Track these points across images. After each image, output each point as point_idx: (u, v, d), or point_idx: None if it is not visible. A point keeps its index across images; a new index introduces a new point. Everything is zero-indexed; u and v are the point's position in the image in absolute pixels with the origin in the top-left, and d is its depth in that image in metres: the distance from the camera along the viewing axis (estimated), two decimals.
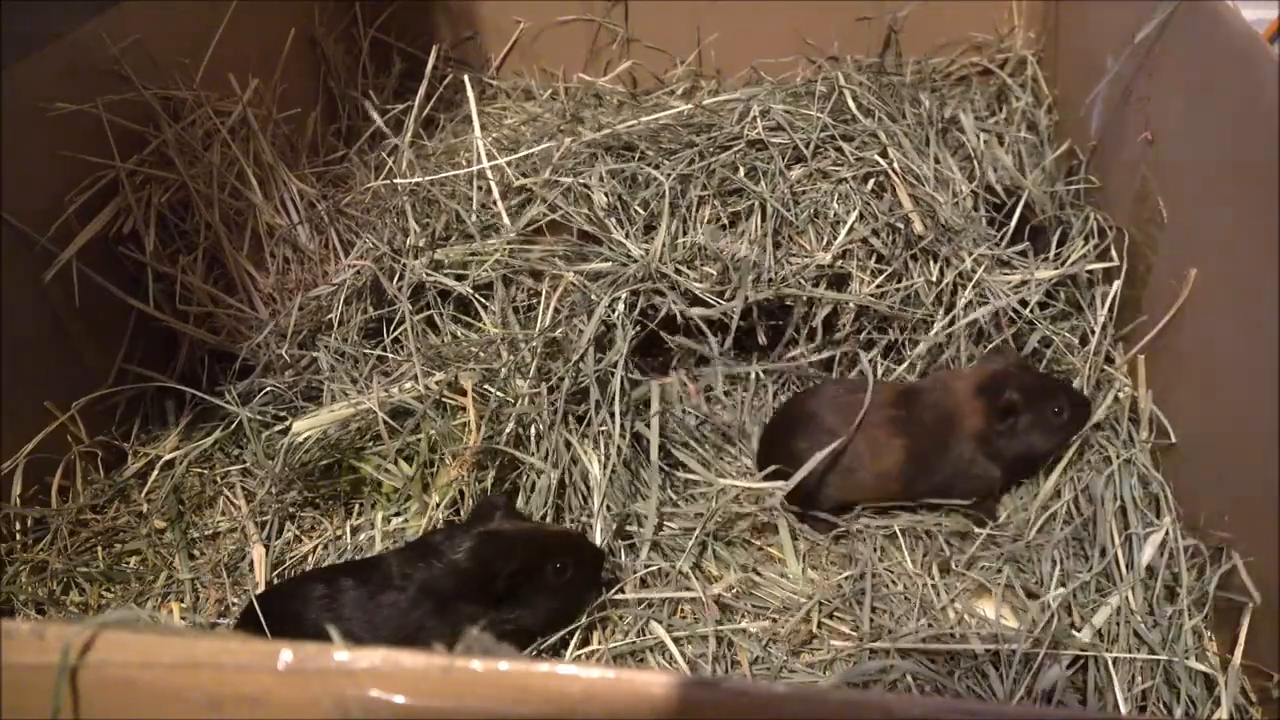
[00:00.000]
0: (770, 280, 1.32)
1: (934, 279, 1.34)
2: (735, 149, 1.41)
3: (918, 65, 1.81)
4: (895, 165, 1.36)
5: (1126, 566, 1.13)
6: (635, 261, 1.30)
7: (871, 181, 1.38)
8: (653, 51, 1.94)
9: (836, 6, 1.81)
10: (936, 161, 1.42)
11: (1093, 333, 1.33)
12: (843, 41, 1.84)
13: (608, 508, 1.17)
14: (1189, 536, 1.12)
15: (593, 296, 1.27)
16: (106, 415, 1.36)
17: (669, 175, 1.37)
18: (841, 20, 1.83)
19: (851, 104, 1.45)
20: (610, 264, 1.32)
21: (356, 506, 1.28)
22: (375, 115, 1.59)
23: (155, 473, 1.34)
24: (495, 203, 1.38)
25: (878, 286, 1.34)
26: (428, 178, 1.41)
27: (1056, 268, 1.35)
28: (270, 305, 1.43)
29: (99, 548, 1.25)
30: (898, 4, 1.78)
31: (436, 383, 1.24)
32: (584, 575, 1.09)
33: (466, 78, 1.57)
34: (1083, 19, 1.63)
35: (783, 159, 1.39)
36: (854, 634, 1.11)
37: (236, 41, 1.55)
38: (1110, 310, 1.33)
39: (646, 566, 1.17)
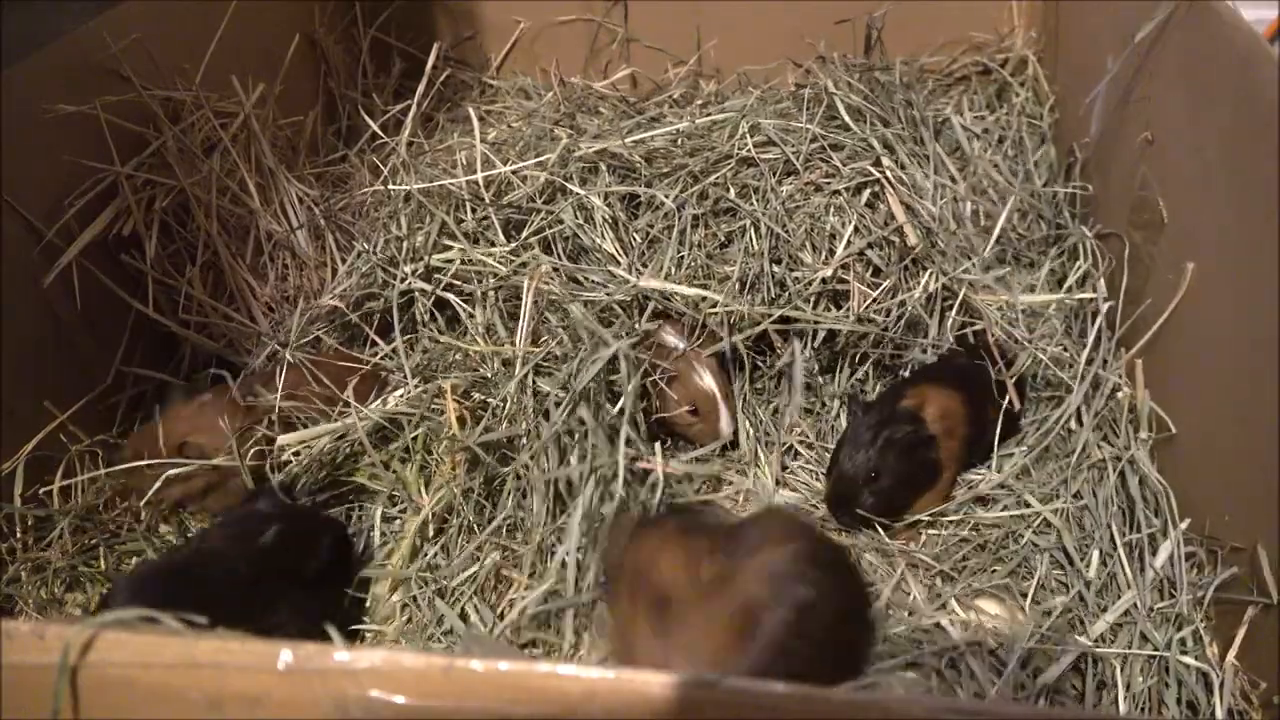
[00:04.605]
0: (774, 300, 1.33)
1: (929, 293, 1.34)
2: (726, 168, 1.41)
3: (906, 64, 1.80)
4: (888, 174, 1.37)
5: (1129, 567, 1.13)
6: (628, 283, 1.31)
7: (866, 192, 1.38)
8: (652, 51, 1.94)
9: (839, 6, 1.81)
10: (929, 162, 1.42)
11: (1079, 351, 1.34)
12: (843, 42, 1.83)
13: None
14: (1190, 536, 1.12)
15: (572, 304, 1.27)
16: (107, 415, 1.36)
17: (669, 197, 1.37)
18: (843, 19, 1.83)
19: (843, 111, 1.45)
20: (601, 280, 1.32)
21: (358, 507, 1.29)
22: (370, 121, 1.58)
23: None
24: (488, 209, 1.38)
25: (874, 301, 1.34)
26: (418, 185, 1.40)
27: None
28: (269, 316, 1.43)
29: (100, 547, 1.25)
30: (893, 3, 1.78)
31: (424, 392, 1.24)
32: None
33: (472, 111, 1.55)
34: (1083, 19, 1.63)
35: (774, 175, 1.39)
36: None
37: (237, 42, 1.55)
38: (1097, 338, 1.34)
39: None
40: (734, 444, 1.34)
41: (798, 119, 1.45)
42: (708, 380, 1.29)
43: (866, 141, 1.41)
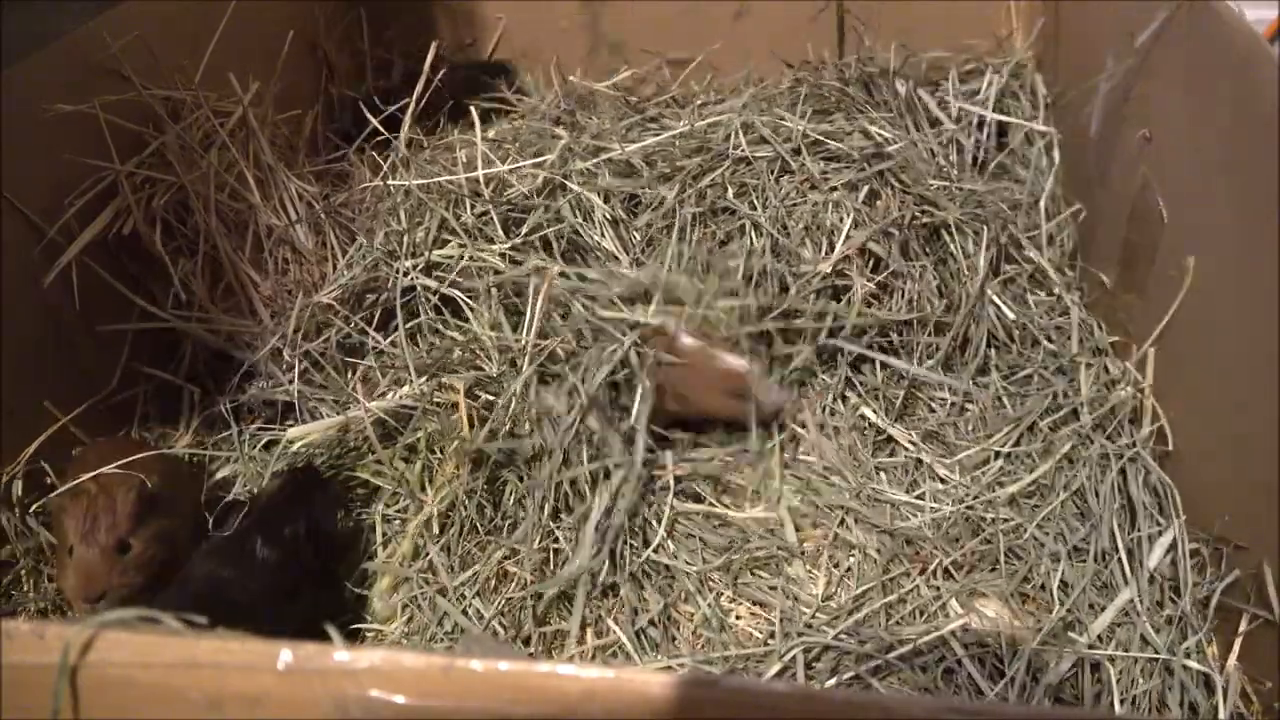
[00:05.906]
0: (775, 298, 1.32)
1: (935, 281, 1.35)
2: (723, 167, 1.41)
3: (904, 47, 1.80)
4: (885, 166, 1.37)
5: (1129, 567, 1.13)
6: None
7: (865, 190, 1.39)
8: (651, 51, 1.94)
9: (839, 6, 1.81)
10: (928, 155, 1.43)
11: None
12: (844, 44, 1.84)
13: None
14: (1193, 538, 1.12)
15: (584, 308, 1.26)
16: (109, 415, 1.36)
17: (669, 197, 1.37)
18: (820, 11, 1.83)
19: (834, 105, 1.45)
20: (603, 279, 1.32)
21: (358, 505, 1.29)
22: (371, 118, 1.58)
23: None
24: (489, 208, 1.38)
25: (874, 295, 1.35)
26: (417, 182, 1.40)
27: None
28: (270, 306, 1.43)
29: None
30: (893, 4, 1.78)
31: (429, 387, 1.24)
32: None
33: (473, 109, 1.55)
34: (1083, 19, 1.63)
35: (770, 174, 1.39)
36: (850, 638, 1.11)
37: (237, 42, 1.55)
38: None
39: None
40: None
41: (790, 115, 1.46)
42: (732, 360, 1.24)
43: (862, 133, 1.42)
